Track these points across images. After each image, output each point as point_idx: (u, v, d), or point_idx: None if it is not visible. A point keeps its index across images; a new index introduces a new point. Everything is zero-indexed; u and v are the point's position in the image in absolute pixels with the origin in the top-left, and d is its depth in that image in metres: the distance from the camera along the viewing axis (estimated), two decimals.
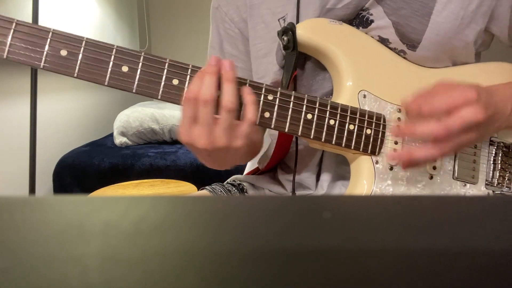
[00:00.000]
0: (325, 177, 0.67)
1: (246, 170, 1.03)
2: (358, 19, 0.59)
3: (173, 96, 0.50)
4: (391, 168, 0.58)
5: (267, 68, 0.65)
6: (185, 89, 0.50)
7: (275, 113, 0.53)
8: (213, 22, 0.70)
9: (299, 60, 0.59)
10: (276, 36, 0.62)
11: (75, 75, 0.47)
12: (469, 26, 0.58)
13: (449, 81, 0.51)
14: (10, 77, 1.68)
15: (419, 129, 0.49)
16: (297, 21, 0.60)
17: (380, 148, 0.57)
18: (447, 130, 0.47)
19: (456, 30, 0.58)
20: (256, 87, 0.52)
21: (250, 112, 0.50)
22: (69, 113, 2.16)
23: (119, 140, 2.05)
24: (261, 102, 0.52)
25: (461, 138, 0.49)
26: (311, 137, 0.54)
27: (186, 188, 1.61)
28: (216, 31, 0.69)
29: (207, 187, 0.77)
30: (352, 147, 0.56)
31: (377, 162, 0.57)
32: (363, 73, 0.58)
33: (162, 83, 0.49)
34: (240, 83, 0.51)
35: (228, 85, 0.49)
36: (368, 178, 0.57)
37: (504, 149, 0.63)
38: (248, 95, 0.50)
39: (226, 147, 0.50)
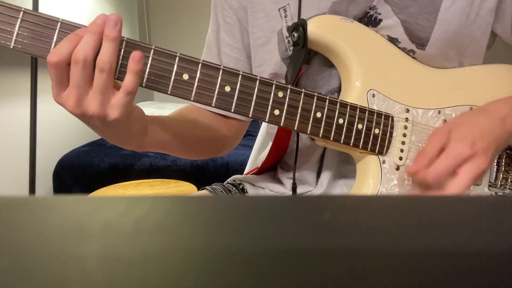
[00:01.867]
0: (326, 175, 0.67)
1: (246, 170, 1.03)
2: (367, 18, 0.59)
3: (183, 91, 0.49)
4: (398, 168, 0.58)
5: (265, 57, 0.65)
6: (195, 84, 0.49)
7: (284, 111, 0.52)
8: (213, 9, 0.70)
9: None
10: (276, 25, 0.62)
11: None
12: (475, 21, 0.58)
13: (443, 129, 0.54)
14: (10, 77, 1.68)
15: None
16: (299, 12, 0.59)
17: (388, 148, 0.57)
18: (461, 190, 0.51)
19: (463, 26, 0.58)
20: (266, 84, 0.52)
21: (127, 80, 0.44)
22: (69, 113, 2.16)
23: None
24: (271, 99, 0.52)
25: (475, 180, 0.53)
26: (320, 135, 0.54)
27: (186, 188, 1.61)
28: (215, 19, 0.69)
29: (207, 187, 0.77)
30: (360, 147, 0.56)
31: (384, 162, 0.57)
32: (372, 72, 0.58)
33: (172, 78, 0.48)
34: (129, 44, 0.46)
35: (106, 44, 0.43)
36: (374, 177, 0.57)
37: (508, 151, 0.63)
38: (131, 61, 0.44)
39: (100, 115, 0.45)
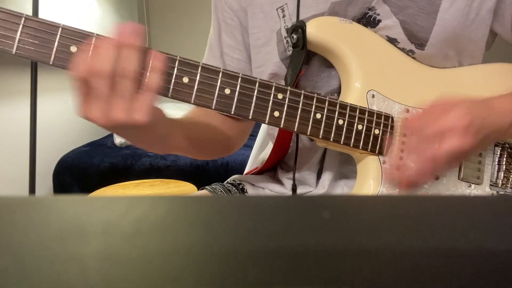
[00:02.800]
0: (327, 176, 0.67)
1: (246, 170, 1.03)
2: (365, 19, 0.59)
3: (183, 94, 0.49)
4: (398, 169, 0.58)
5: (265, 58, 0.65)
6: (195, 87, 0.49)
7: (284, 113, 0.53)
8: (214, 12, 0.70)
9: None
10: (274, 25, 0.62)
11: None
12: (474, 22, 0.58)
13: (445, 100, 0.53)
14: (10, 77, 1.68)
15: (409, 172, 0.52)
16: (298, 12, 0.59)
17: (388, 148, 0.57)
18: (434, 164, 0.50)
19: (462, 27, 0.58)
20: (266, 86, 0.52)
21: (152, 79, 0.45)
22: (69, 113, 2.16)
23: (119, 140, 2.05)
24: (271, 101, 0.52)
25: (451, 161, 0.51)
26: (320, 136, 0.54)
27: (186, 188, 1.61)
28: (216, 21, 0.69)
29: (207, 187, 0.77)
30: (360, 147, 0.56)
31: (384, 162, 0.57)
32: (372, 72, 0.58)
33: (173, 81, 0.48)
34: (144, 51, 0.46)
35: (128, 50, 0.44)
36: (375, 178, 0.57)
37: (509, 150, 0.63)
38: (154, 60, 0.46)
39: (127, 122, 0.45)
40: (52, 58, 0.45)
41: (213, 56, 0.70)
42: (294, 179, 0.66)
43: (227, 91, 0.50)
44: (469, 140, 0.49)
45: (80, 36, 0.46)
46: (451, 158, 0.50)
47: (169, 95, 0.48)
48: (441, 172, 0.57)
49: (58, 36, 0.45)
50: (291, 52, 0.62)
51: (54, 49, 0.45)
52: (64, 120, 2.12)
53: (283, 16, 0.61)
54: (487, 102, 0.54)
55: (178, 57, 0.48)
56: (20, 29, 0.44)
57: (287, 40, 0.62)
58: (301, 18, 0.59)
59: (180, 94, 0.49)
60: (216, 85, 0.50)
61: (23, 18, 0.44)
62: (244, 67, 0.68)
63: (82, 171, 1.84)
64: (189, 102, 0.49)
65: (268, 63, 0.64)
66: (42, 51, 0.45)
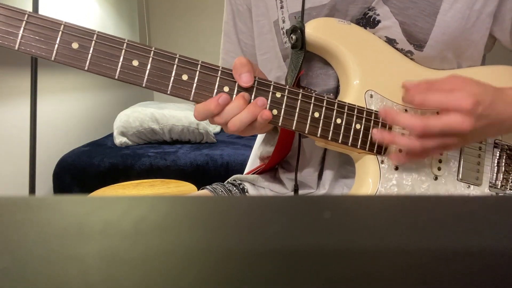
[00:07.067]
0: (327, 176, 0.67)
1: (246, 170, 1.03)
2: (365, 19, 0.59)
3: (182, 91, 0.50)
4: (397, 168, 0.58)
5: (269, 45, 0.66)
6: (194, 85, 0.50)
7: (282, 111, 0.53)
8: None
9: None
10: (273, 16, 0.64)
11: (86, 68, 0.47)
12: (474, 25, 0.58)
13: (463, 77, 0.51)
14: (10, 77, 1.68)
15: (400, 118, 0.51)
16: (303, 7, 0.60)
17: (386, 148, 0.57)
18: (425, 128, 0.49)
19: (462, 30, 0.58)
20: (264, 84, 0.52)
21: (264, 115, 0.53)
22: (69, 113, 2.16)
23: (119, 140, 2.05)
24: (269, 99, 0.52)
25: (444, 140, 0.50)
26: (318, 135, 0.55)
27: (186, 188, 1.61)
28: (230, 8, 0.71)
29: (207, 186, 0.77)
30: (358, 147, 0.56)
31: (382, 162, 0.57)
32: (370, 73, 0.58)
33: (172, 78, 0.49)
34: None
35: (260, 119, 0.52)
36: (373, 177, 0.57)
37: (508, 151, 0.63)
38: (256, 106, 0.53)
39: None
40: (54, 54, 0.46)
41: (230, 42, 0.72)
42: (296, 180, 0.66)
43: (226, 89, 0.51)
44: (469, 123, 0.48)
45: (82, 33, 0.47)
46: (446, 135, 0.49)
47: (168, 92, 0.49)
48: (434, 151, 0.55)
49: (60, 33, 0.46)
50: (287, 44, 0.63)
51: (56, 46, 0.46)
52: (64, 120, 2.11)
53: (281, 8, 0.62)
54: (500, 90, 0.53)
55: (177, 55, 0.49)
56: (23, 26, 0.45)
57: (283, 32, 0.63)
58: (298, 9, 0.59)
59: (179, 91, 0.50)
60: (215, 83, 0.51)
61: (26, 15, 0.45)
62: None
63: (82, 171, 1.84)
64: (188, 99, 0.51)
65: (272, 51, 0.66)
66: (44, 47, 0.46)
